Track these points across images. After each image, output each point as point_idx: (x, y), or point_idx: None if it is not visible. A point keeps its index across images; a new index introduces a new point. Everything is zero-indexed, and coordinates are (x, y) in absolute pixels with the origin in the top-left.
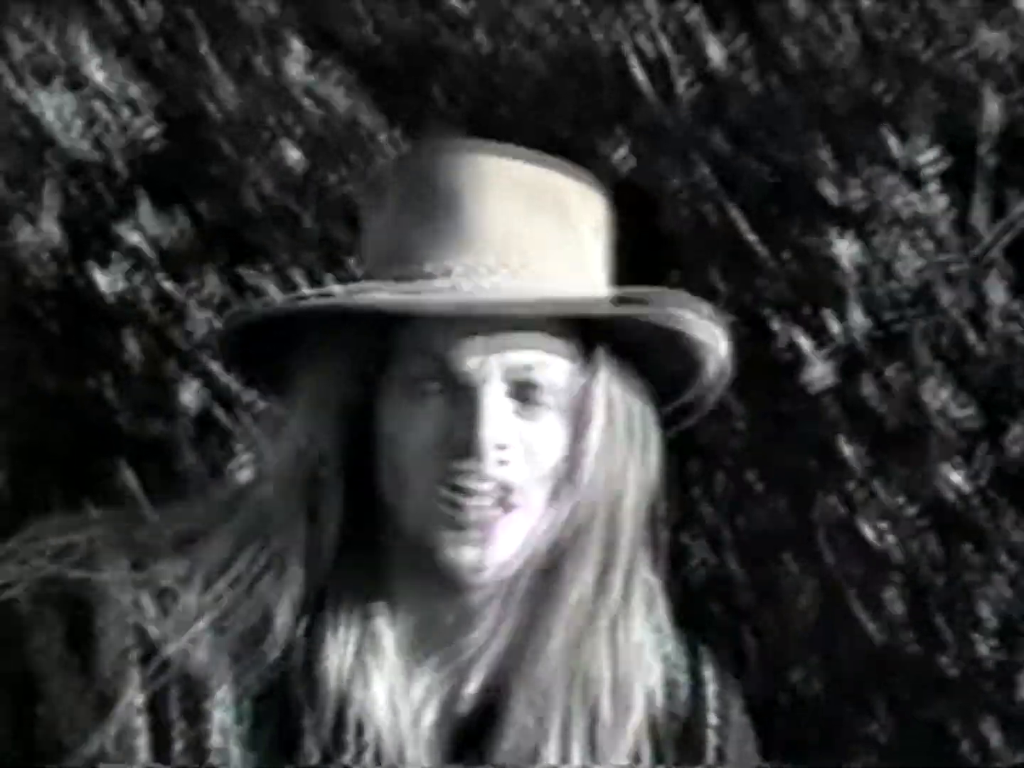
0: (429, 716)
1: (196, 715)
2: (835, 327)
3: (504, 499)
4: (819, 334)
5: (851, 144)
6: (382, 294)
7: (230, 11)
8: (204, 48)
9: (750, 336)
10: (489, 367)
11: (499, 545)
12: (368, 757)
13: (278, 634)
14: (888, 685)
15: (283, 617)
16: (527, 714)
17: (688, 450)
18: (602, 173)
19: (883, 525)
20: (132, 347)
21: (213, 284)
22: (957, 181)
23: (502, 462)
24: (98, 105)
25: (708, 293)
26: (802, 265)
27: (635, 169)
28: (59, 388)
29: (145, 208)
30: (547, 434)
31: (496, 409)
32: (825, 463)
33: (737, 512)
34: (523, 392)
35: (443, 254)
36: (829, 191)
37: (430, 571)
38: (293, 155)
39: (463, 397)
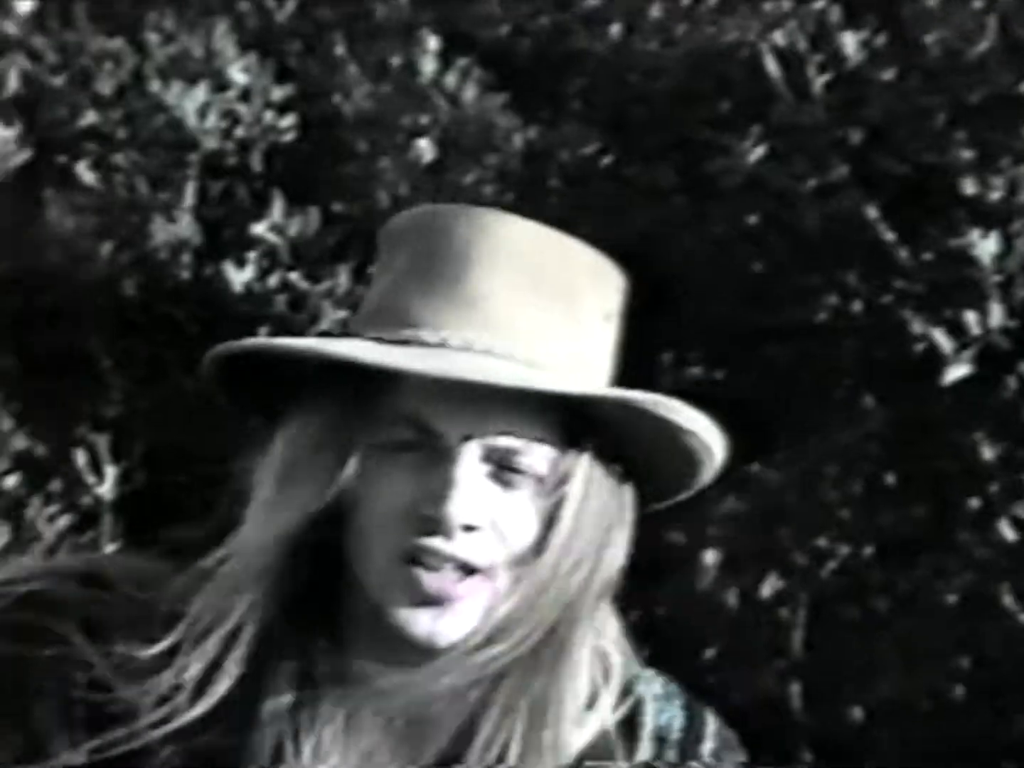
0: None
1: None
2: (975, 326)
3: (466, 575)
4: (959, 333)
5: (992, 141)
6: (365, 348)
7: (366, 12)
8: (340, 49)
9: (888, 336)
10: (471, 444)
11: (457, 617)
12: None
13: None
14: None
15: (227, 678)
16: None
17: (825, 454)
18: (736, 172)
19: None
20: None
21: (346, 282)
22: None
23: (469, 542)
24: (239, 107)
25: (844, 293)
26: (941, 264)
27: (770, 168)
28: (198, 389)
29: (280, 207)
30: (520, 518)
31: (470, 488)
32: (965, 463)
33: (875, 514)
34: (502, 475)
35: (442, 323)
36: (969, 188)
37: (388, 638)
38: (427, 154)
39: (438, 471)
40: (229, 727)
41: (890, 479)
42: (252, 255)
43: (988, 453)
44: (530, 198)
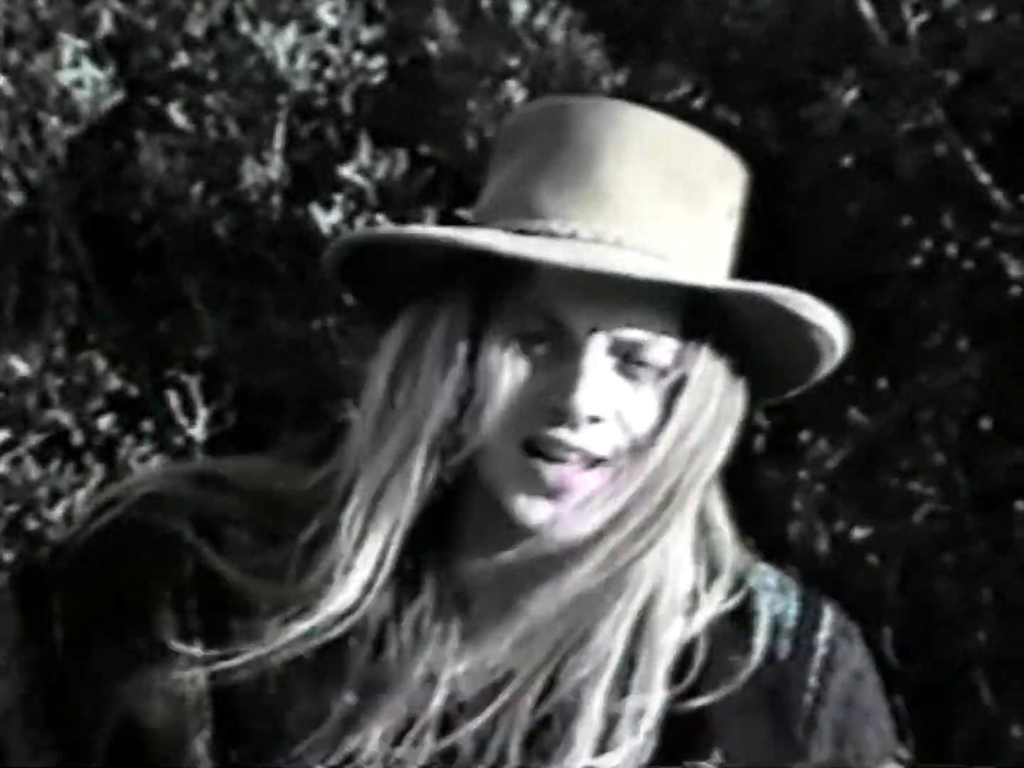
0: (460, 667)
1: (258, 664)
2: None
3: (586, 466)
4: None
5: None
6: (501, 237)
7: None
8: None
9: (985, 280)
10: (599, 337)
11: (575, 508)
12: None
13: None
14: None
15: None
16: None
17: (920, 398)
18: (832, 116)
19: None
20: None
21: (434, 223)
22: None
23: (592, 433)
24: (328, 48)
25: (940, 237)
26: None
27: (865, 111)
28: (289, 331)
29: (367, 149)
30: (642, 409)
31: (597, 380)
32: None
33: (971, 461)
34: (627, 367)
35: (571, 215)
36: None
37: (501, 522)
38: (516, 96)
39: (566, 363)
40: (348, 632)
41: (986, 424)
42: (339, 197)
43: None
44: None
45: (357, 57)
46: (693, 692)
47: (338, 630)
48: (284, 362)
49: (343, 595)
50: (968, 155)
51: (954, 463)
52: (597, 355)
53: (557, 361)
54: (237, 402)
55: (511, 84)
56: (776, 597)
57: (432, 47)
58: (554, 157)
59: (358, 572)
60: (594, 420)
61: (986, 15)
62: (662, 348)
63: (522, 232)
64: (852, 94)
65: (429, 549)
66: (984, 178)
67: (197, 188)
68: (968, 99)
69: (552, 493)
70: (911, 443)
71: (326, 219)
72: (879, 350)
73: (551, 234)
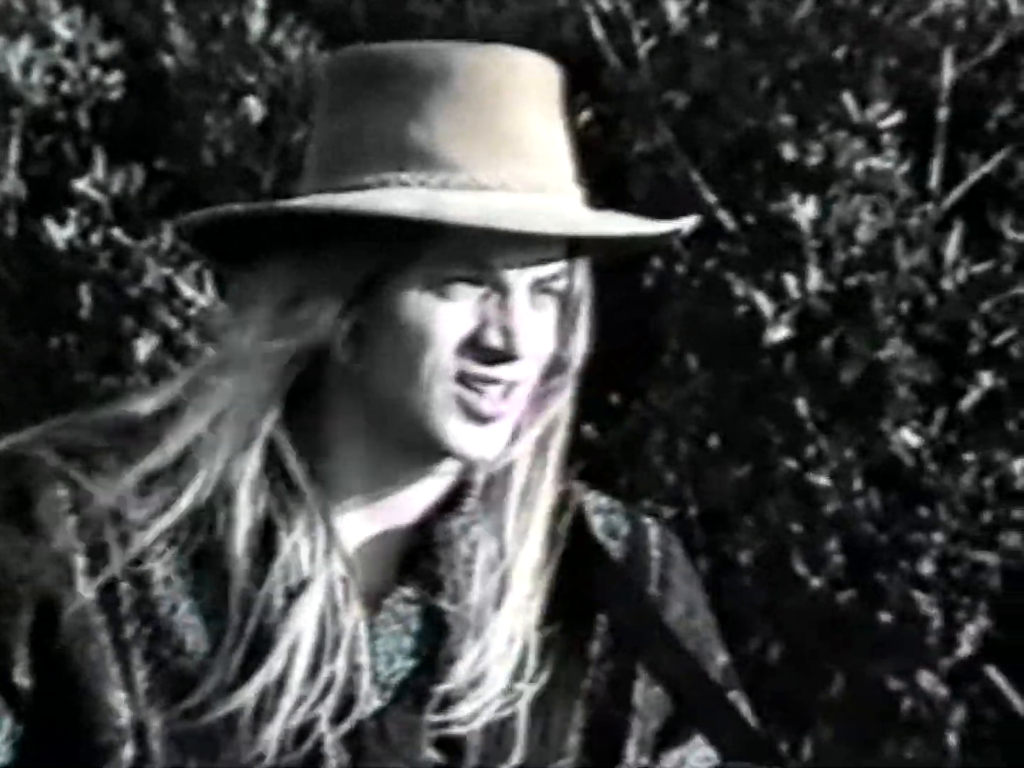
0: (362, 547)
1: (136, 573)
2: (794, 290)
3: (509, 391)
4: (780, 296)
5: (810, 107)
6: (463, 207)
7: None
8: (168, 6)
9: (713, 300)
10: (524, 277)
11: (500, 434)
12: (299, 606)
13: (209, 484)
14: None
15: (215, 468)
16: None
17: (649, 419)
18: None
19: (828, 483)
20: (89, 303)
21: (169, 239)
22: (914, 144)
23: (520, 366)
24: (64, 62)
25: (670, 257)
26: (763, 228)
27: (600, 132)
28: (24, 348)
29: (102, 163)
30: (549, 332)
31: (525, 318)
32: (784, 425)
33: (698, 478)
34: (539, 298)
35: (491, 164)
36: (789, 154)
37: (418, 449)
38: (254, 113)
39: (498, 304)
40: (221, 531)
41: (714, 441)
42: (74, 212)
43: (803, 411)
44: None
45: (94, 72)
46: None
47: (204, 535)
48: (17, 379)
49: (202, 492)
50: (696, 177)
51: (684, 480)
52: (523, 295)
53: (483, 302)
54: None
55: (249, 100)
56: (607, 515)
57: (169, 62)
58: (448, 104)
59: (219, 474)
60: (524, 356)
61: (711, 41)
62: (564, 274)
63: (446, 185)
64: (585, 114)
65: (296, 439)
66: (710, 198)
67: None
68: (696, 122)
69: (485, 422)
70: (641, 461)
71: (60, 234)
72: (610, 367)
73: (481, 186)
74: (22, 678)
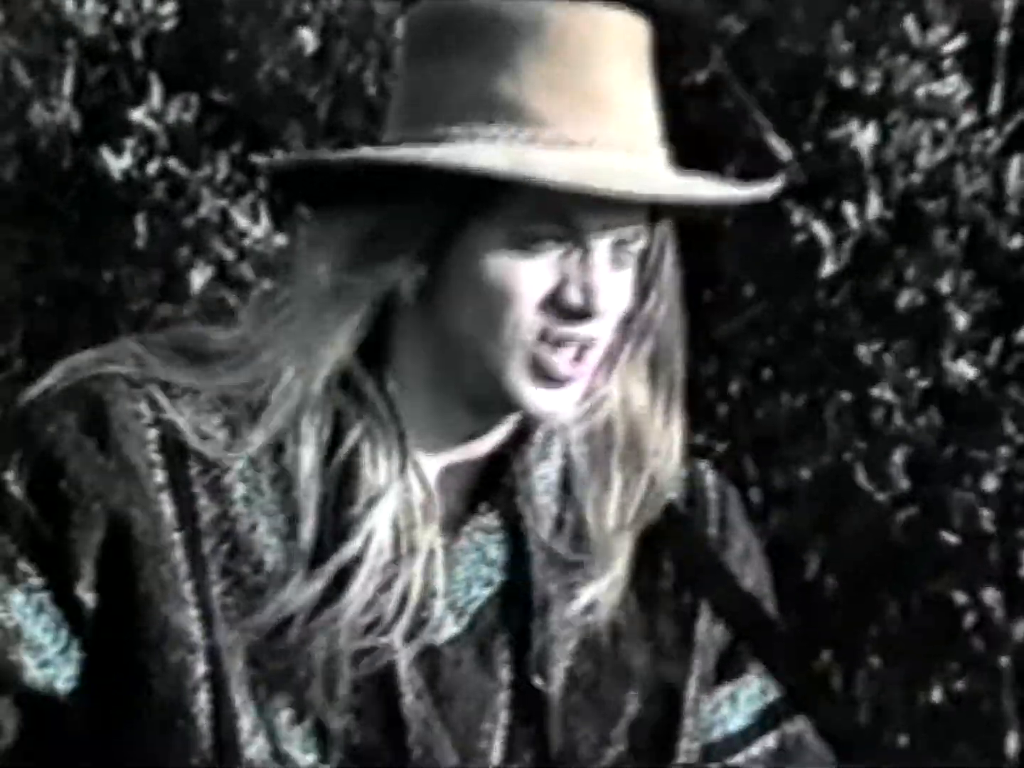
0: (437, 477)
1: (216, 488)
2: (853, 218)
3: (583, 352)
4: (838, 224)
5: (870, 33)
6: (550, 164)
7: None
8: None
9: (771, 228)
10: (607, 236)
11: (574, 392)
12: (378, 523)
13: (288, 412)
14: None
15: (293, 398)
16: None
17: (705, 349)
18: None
19: (893, 399)
20: (144, 233)
21: (225, 169)
22: (975, 69)
23: (598, 325)
24: None
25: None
26: (821, 156)
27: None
28: (78, 277)
29: (158, 93)
30: (626, 293)
31: (607, 278)
32: (840, 356)
33: (754, 408)
34: (619, 256)
35: (579, 121)
36: (847, 80)
37: (487, 403)
38: (309, 43)
39: (580, 261)
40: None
41: (767, 373)
42: (130, 142)
43: (862, 345)
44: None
45: (147, 2)
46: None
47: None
48: (73, 309)
49: (276, 424)
50: (752, 102)
51: (737, 413)
52: (604, 254)
53: (564, 260)
54: (24, 348)
55: (303, 30)
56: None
57: None
58: (539, 59)
59: (292, 407)
60: (606, 313)
61: None
62: (643, 236)
63: (533, 140)
64: None
65: (369, 377)
66: (766, 125)
67: None
68: (751, 49)
69: (560, 382)
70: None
71: (117, 164)
72: None
73: (568, 142)
74: (86, 593)
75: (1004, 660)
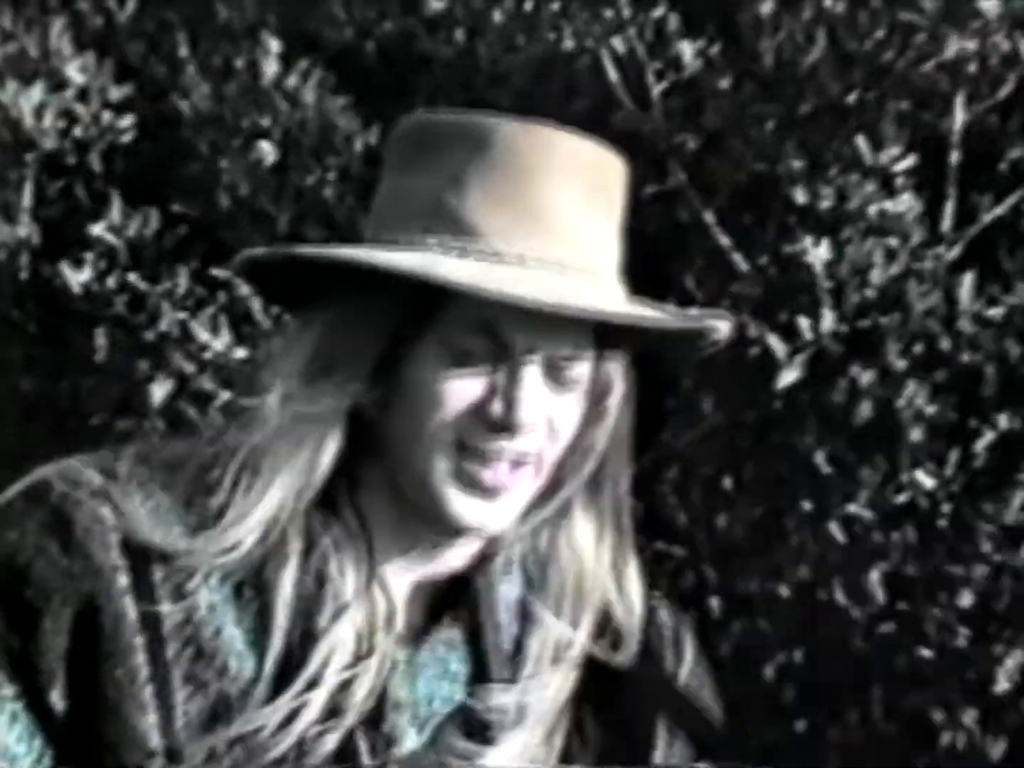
0: (402, 591)
1: (180, 594)
2: (807, 331)
3: (517, 465)
4: (793, 338)
5: (823, 151)
6: (460, 270)
7: (209, 12)
8: (183, 50)
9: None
10: (539, 352)
11: (507, 507)
12: (341, 634)
13: (255, 525)
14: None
15: (263, 511)
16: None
17: (664, 458)
18: None
19: (864, 514)
20: (104, 346)
21: (185, 283)
22: (927, 187)
23: (526, 439)
24: (77, 107)
25: (683, 297)
26: (776, 269)
27: None
28: (36, 389)
29: (118, 207)
30: (569, 414)
31: (535, 393)
32: (798, 467)
33: (712, 518)
34: (556, 376)
35: (512, 235)
36: (800, 197)
37: (425, 516)
38: (268, 156)
39: (508, 375)
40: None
41: (727, 482)
42: (90, 256)
43: (819, 456)
44: (372, 198)
45: (106, 115)
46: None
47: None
48: (31, 420)
49: (251, 528)
50: (709, 218)
51: (697, 521)
52: (534, 369)
53: (492, 374)
54: None
55: (263, 144)
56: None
57: (183, 105)
58: (483, 175)
59: (265, 513)
60: (530, 428)
61: (723, 83)
62: (585, 358)
63: (463, 251)
64: None
65: (341, 490)
66: (724, 241)
67: None
68: (708, 164)
69: (487, 494)
70: (655, 500)
71: (76, 277)
72: None
73: (497, 254)
74: (58, 700)
75: None
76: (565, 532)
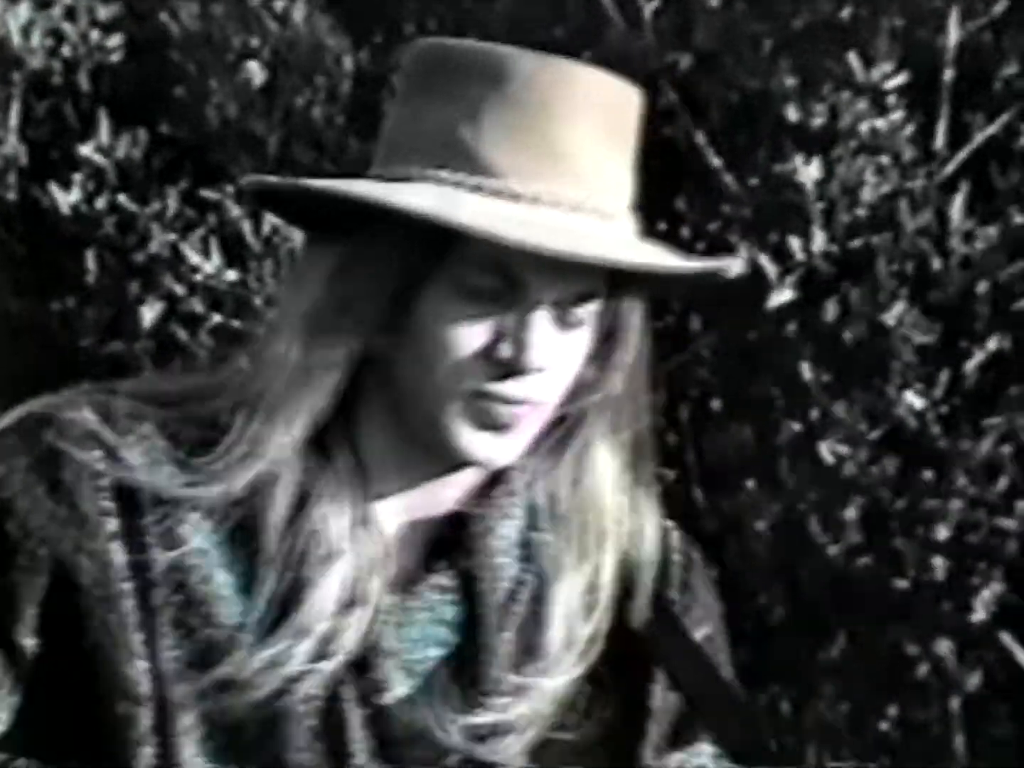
0: (397, 533)
1: (171, 539)
2: (799, 251)
3: (530, 405)
4: (784, 258)
5: (814, 68)
6: (478, 215)
7: None
8: None
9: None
10: (550, 294)
11: (516, 442)
12: (330, 581)
13: (254, 468)
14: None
15: (263, 454)
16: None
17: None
18: None
19: (843, 449)
20: (94, 268)
21: (175, 204)
22: (920, 105)
23: (537, 381)
24: (64, 25)
25: (673, 218)
26: (767, 190)
27: None
28: (25, 311)
29: (106, 128)
30: (576, 353)
31: (545, 336)
32: (788, 388)
33: (701, 439)
34: (566, 316)
35: (528, 174)
36: (792, 115)
37: (430, 450)
38: (257, 76)
39: (519, 317)
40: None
41: (716, 404)
42: (78, 177)
43: (809, 375)
44: (361, 119)
45: (94, 34)
46: None
47: (248, 505)
48: (19, 343)
49: (249, 471)
50: (700, 138)
51: (686, 442)
52: (544, 310)
53: (503, 314)
54: None
55: (251, 63)
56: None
57: (172, 25)
58: (501, 111)
59: (269, 452)
60: (540, 370)
61: (715, 1)
62: (593, 300)
63: (479, 189)
64: None
65: (336, 428)
66: (715, 161)
67: None
68: (700, 83)
69: (499, 429)
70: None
71: (65, 198)
72: None
73: (514, 195)
74: (26, 638)
75: (955, 704)
76: (587, 468)
